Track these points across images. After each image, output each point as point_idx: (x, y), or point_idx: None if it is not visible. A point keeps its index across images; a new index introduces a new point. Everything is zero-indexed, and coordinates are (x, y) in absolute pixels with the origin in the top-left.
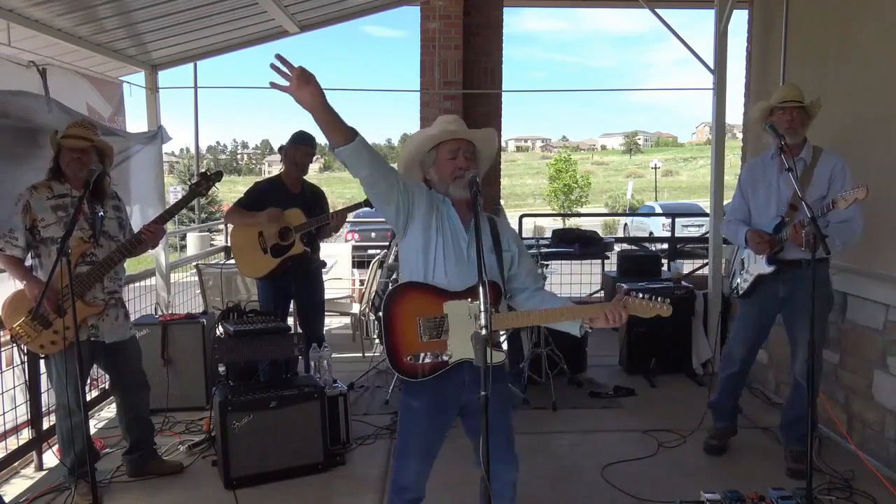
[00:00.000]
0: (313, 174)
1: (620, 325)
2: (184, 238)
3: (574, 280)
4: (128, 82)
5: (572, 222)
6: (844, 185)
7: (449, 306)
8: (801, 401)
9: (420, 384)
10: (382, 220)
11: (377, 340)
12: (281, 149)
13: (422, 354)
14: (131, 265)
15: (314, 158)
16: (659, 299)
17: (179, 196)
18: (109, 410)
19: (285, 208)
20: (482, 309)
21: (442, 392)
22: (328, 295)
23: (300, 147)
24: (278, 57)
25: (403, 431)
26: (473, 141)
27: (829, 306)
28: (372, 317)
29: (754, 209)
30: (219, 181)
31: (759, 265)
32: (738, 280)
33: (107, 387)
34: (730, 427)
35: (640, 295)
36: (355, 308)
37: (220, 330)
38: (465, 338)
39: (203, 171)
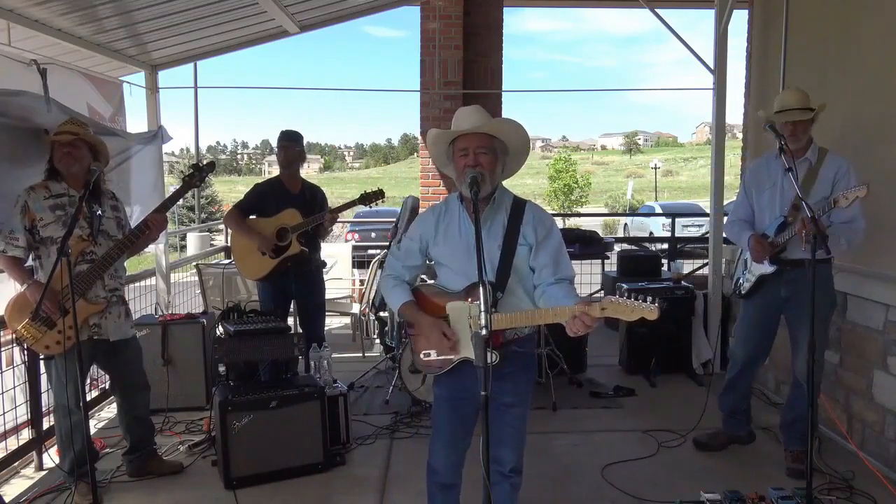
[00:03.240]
0: (313, 174)
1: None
2: (184, 238)
3: (574, 280)
4: (128, 82)
5: (572, 222)
6: (848, 185)
7: (450, 307)
8: (801, 401)
9: (440, 376)
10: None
11: (377, 340)
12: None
13: (432, 352)
14: (131, 265)
15: (299, 152)
16: (648, 299)
17: None
18: (109, 410)
19: (284, 208)
20: (482, 309)
21: (457, 383)
22: (328, 295)
23: (280, 146)
24: None
25: (432, 418)
26: (495, 134)
27: (832, 307)
28: (372, 317)
29: (758, 209)
30: (212, 172)
31: (761, 265)
32: (741, 280)
33: (107, 387)
34: (732, 435)
35: (626, 295)
36: (355, 308)
37: (220, 330)
38: (465, 337)
39: (195, 163)
